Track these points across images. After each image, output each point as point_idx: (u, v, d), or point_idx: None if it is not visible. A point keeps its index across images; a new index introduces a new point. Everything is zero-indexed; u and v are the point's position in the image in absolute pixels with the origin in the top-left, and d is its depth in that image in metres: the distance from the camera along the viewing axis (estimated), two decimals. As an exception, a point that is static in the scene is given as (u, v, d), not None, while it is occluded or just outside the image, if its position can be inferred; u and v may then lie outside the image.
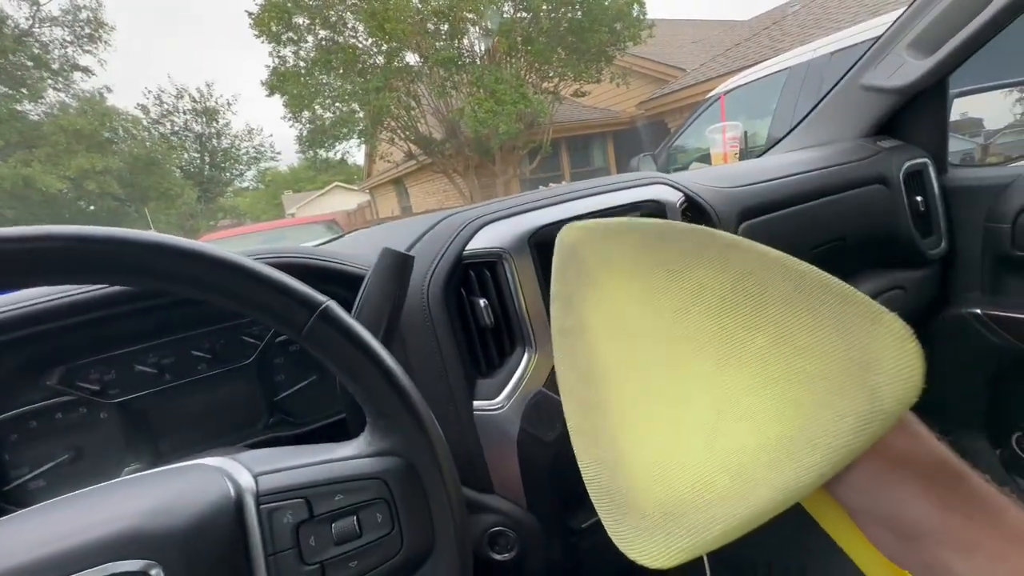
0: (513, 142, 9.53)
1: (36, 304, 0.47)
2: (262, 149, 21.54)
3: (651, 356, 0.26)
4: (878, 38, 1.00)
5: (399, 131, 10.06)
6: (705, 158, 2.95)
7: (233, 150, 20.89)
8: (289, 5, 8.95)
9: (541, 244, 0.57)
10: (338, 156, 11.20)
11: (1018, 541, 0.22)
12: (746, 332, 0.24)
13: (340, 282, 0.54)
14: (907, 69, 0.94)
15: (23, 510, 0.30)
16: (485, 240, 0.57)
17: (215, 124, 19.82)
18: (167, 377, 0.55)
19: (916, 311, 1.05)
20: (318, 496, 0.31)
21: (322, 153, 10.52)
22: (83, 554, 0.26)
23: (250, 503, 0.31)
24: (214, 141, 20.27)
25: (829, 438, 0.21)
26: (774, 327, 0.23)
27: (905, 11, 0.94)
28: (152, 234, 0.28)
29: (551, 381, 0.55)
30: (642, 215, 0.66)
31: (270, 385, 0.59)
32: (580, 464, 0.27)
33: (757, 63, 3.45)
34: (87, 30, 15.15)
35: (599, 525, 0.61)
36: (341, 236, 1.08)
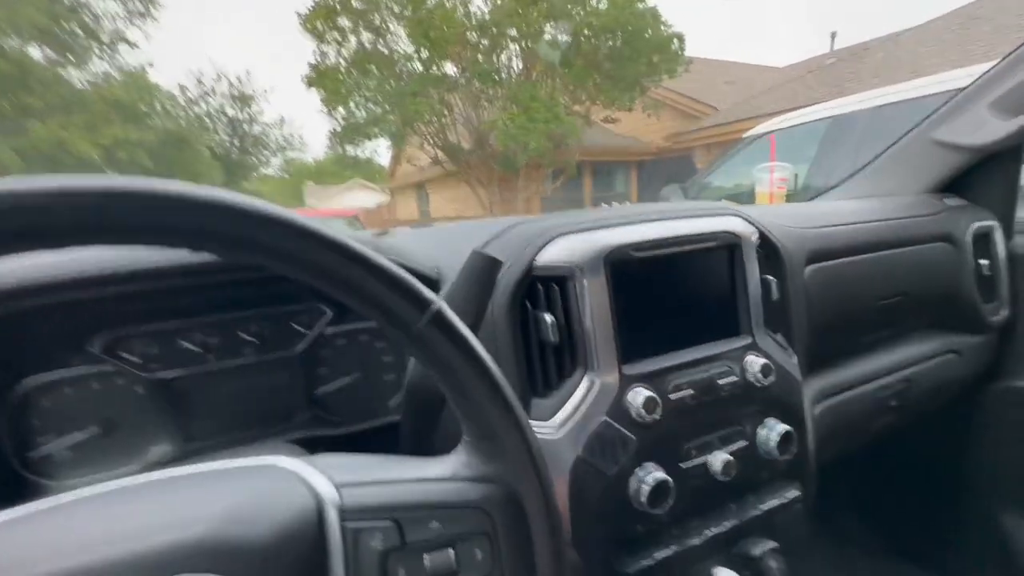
0: (539, 160, 9.58)
1: (89, 268, 0.45)
2: (291, 139, 21.94)
3: None
4: (958, 91, 0.97)
5: (429, 136, 10.17)
6: (737, 197, 2.93)
7: (263, 137, 21.28)
8: (336, 6, 9.17)
9: (616, 263, 0.54)
10: (366, 154, 11.34)
11: None
12: None
13: None
14: (988, 128, 0.91)
15: (72, 494, 0.26)
16: (557, 253, 0.54)
17: (249, 110, 20.23)
18: (210, 358, 0.53)
19: (970, 378, 1.00)
20: (411, 521, 0.27)
21: (351, 149, 10.67)
22: (155, 560, 0.23)
23: (333, 519, 0.27)
24: (245, 127, 20.67)
25: None
26: None
27: (992, 68, 0.91)
28: (259, 203, 0.25)
29: (615, 409, 0.52)
30: (716, 247, 0.63)
31: (313, 378, 0.56)
32: None
33: (790, 110, 3.43)
34: (139, 5, 15.60)
35: (649, 571, 0.56)
36: (384, 233, 1.05)
